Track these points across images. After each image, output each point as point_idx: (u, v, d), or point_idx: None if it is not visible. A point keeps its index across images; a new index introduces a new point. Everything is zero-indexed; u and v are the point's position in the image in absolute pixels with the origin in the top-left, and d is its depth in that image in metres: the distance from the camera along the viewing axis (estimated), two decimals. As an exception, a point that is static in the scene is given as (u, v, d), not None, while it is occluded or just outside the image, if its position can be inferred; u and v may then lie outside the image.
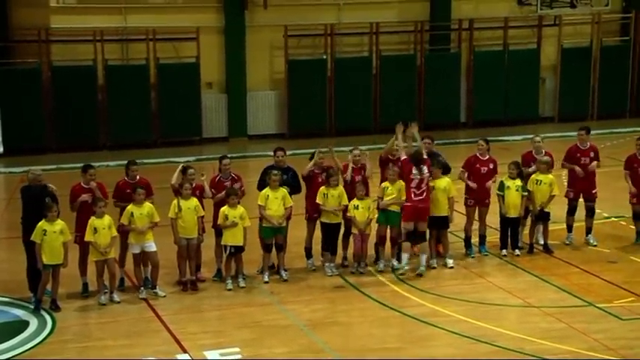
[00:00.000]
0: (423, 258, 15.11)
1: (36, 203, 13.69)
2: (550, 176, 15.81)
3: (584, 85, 29.52)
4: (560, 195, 16.22)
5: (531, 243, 16.03)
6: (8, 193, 20.23)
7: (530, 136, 16.23)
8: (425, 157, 15.01)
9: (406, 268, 14.89)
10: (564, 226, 16.62)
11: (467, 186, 15.94)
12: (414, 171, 14.86)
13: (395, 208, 15.15)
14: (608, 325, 12.98)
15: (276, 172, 14.89)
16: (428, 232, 15.21)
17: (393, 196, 15.08)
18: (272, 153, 15.56)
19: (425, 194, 14.91)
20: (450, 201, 15.33)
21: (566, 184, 16.85)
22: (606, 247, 16.39)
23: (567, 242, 16.44)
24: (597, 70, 29.54)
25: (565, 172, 16.99)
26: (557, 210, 16.34)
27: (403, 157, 15.01)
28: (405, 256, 14.95)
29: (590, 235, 16.52)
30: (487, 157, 15.97)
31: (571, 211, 16.47)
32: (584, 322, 13.08)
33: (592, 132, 17.18)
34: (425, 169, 14.91)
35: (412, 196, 14.87)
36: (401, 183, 15.15)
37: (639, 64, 29.87)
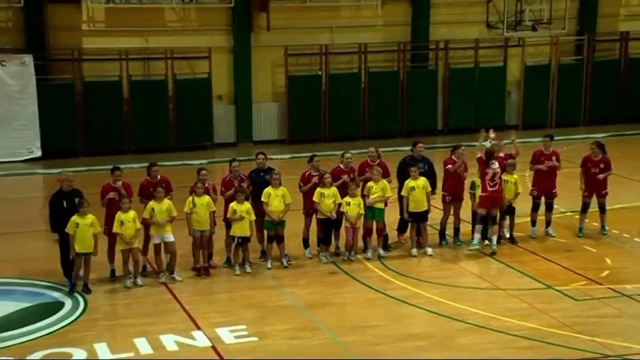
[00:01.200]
0: (494, 239, 15.32)
1: (68, 208, 13.71)
2: (515, 176, 15.82)
3: (544, 98, 29.47)
4: (524, 193, 16.25)
5: (499, 234, 16.04)
6: (47, 191, 20.17)
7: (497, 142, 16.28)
8: (496, 154, 15.36)
9: (477, 247, 15.17)
10: (528, 219, 16.63)
11: (444, 184, 15.91)
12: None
13: (379, 205, 15.17)
14: (564, 305, 13.03)
15: (277, 172, 14.90)
16: (499, 215, 15.50)
17: (378, 194, 15.10)
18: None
19: (498, 185, 15.23)
20: (427, 196, 15.35)
21: (530, 184, 16.88)
22: (563, 237, 16.42)
23: (533, 235, 16.40)
24: (555, 84, 29.51)
25: (529, 173, 17.02)
26: (522, 207, 16.36)
27: (479, 155, 15.33)
28: (476, 237, 15.22)
29: (549, 228, 16.53)
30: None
31: (535, 207, 16.45)
32: (544, 302, 13.13)
33: (550, 138, 17.20)
34: (496, 163, 15.18)
35: (488, 187, 15.19)
36: (384, 182, 15.18)
37: (591, 80, 29.83)
